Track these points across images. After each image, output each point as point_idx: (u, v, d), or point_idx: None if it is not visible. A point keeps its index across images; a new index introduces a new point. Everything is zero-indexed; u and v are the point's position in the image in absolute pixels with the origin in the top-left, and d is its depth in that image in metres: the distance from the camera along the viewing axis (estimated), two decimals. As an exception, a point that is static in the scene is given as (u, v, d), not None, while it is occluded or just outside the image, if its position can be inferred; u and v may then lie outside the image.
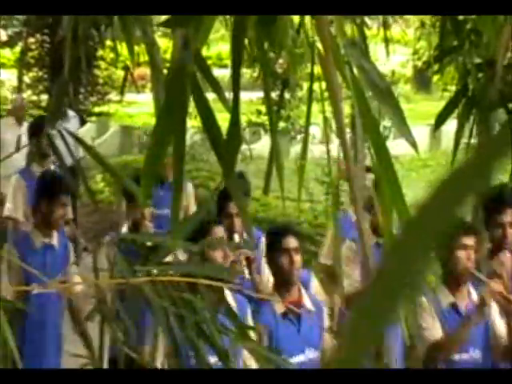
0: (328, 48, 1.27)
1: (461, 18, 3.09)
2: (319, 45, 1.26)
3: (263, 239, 5.00)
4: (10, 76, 22.71)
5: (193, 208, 6.04)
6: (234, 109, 1.29)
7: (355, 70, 1.32)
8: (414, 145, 1.40)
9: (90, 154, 1.91)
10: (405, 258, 0.51)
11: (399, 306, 0.51)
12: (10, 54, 22.92)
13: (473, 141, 3.10)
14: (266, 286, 4.40)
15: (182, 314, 1.73)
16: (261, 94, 12.93)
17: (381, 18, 3.63)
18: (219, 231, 4.16)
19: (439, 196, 0.51)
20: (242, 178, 5.13)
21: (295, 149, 11.57)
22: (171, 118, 1.27)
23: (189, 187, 6.30)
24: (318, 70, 1.40)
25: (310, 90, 1.42)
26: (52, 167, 6.21)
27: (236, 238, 4.67)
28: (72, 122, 9.35)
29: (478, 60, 3.08)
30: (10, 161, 8.23)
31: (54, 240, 4.64)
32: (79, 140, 2.03)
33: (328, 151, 1.43)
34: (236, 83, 1.31)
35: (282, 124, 11.85)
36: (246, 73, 12.14)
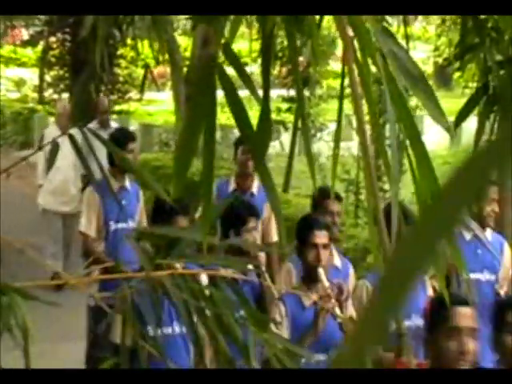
0: (348, 44, 1.27)
1: (482, 15, 3.08)
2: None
3: (351, 271, 4.84)
4: (32, 75, 22.90)
5: (272, 221, 5.65)
6: (264, 102, 1.30)
7: (387, 57, 1.31)
8: (448, 130, 1.38)
9: (118, 159, 1.93)
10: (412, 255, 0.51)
11: (405, 300, 0.51)
12: (31, 53, 23.11)
13: (493, 138, 3.08)
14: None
15: (202, 307, 1.75)
16: (281, 92, 12.92)
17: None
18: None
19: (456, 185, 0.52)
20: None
21: (316, 146, 11.56)
22: (199, 115, 1.28)
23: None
24: (341, 66, 1.40)
25: (342, 87, 1.42)
26: (128, 182, 5.94)
27: (321, 272, 4.00)
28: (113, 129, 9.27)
29: (499, 57, 3.06)
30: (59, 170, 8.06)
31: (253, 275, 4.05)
32: (108, 145, 2.03)
33: (365, 147, 1.42)
34: (266, 77, 1.33)
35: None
36: (266, 70, 12.11)
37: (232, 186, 5.80)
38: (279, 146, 14.35)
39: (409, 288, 0.51)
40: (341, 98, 1.44)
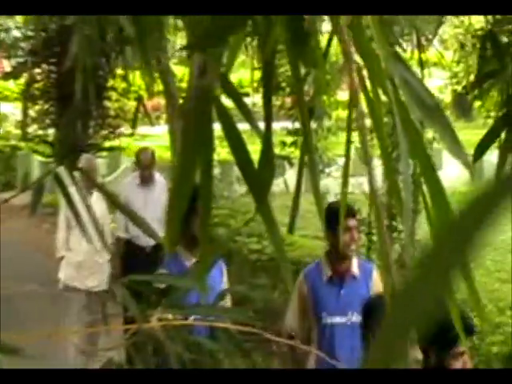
0: (351, 68, 1.28)
1: (504, 40, 3.11)
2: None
3: (375, 273, 5.06)
4: (14, 110, 23.07)
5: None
6: (266, 135, 1.31)
7: (398, 86, 1.31)
8: (468, 166, 1.36)
9: (101, 192, 1.92)
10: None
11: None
12: (13, 86, 23.31)
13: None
14: None
15: (197, 360, 1.73)
16: (285, 124, 12.99)
17: (415, 39, 3.67)
18: None
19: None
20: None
21: (324, 183, 11.58)
22: (195, 151, 1.28)
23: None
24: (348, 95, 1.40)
25: (349, 117, 1.43)
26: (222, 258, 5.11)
27: None
28: (158, 187, 8.18)
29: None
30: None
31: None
32: (88, 178, 2.02)
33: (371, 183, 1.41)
34: (268, 108, 1.33)
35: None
36: (269, 101, 12.18)
37: (326, 271, 5.00)
38: (283, 183, 14.38)
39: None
40: (348, 129, 1.44)
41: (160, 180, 8.29)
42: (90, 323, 7.19)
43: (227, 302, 4.92)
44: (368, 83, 1.31)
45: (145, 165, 8.18)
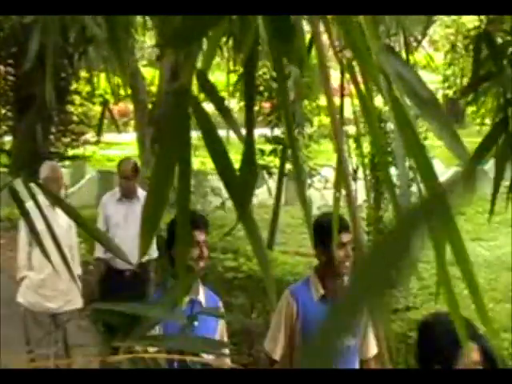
0: (326, 73, 1.27)
1: (499, 41, 3.12)
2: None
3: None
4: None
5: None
6: (248, 141, 1.29)
7: (392, 80, 1.30)
8: (465, 161, 1.35)
9: (60, 207, 1.88)
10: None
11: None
12: (-32, 89, 23.17)
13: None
14: None
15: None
16: (264, 131, 12.95)
17: (402, 40, 3.68)
18: None
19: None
20: None
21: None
22: (171, 160, 1.26)
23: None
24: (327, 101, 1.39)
25: (340, 123, 1.41)
26: (202, 292, 4.83)
27: None
28: (141, 201, 7.74)
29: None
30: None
31: None
32: (46, 191, 1.96)
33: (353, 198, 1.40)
34: (249, 112, 1.32)
35: (289, 166, 11.86)
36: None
37: (318, 289, 4.90)
38: (265, 194, 14.37)
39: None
40: (337, 137, 1.43)
41: (143, 194, 8.00)
42: (56, 353, 7.10)
43: (224, 336, 4.86)
44: (360, 78, 1.31)
45: (125, 176, 8.06)
